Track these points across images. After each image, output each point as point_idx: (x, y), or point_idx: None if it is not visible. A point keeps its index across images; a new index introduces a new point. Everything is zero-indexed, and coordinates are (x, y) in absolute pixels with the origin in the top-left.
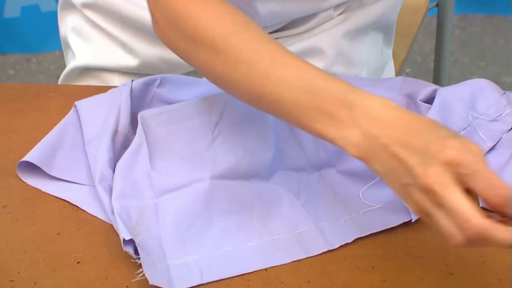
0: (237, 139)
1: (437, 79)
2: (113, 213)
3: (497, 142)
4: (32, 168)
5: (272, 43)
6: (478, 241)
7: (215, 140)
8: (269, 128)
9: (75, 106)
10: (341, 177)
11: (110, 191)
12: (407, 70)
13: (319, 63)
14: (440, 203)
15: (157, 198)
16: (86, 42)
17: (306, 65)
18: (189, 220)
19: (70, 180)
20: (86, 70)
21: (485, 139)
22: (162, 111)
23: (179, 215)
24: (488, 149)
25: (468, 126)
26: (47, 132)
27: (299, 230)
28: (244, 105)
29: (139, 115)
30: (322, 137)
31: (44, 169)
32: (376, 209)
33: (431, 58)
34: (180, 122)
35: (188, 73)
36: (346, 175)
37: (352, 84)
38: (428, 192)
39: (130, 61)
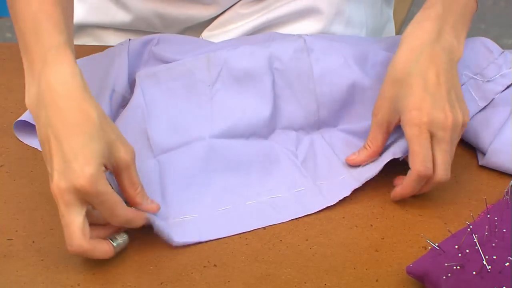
0: (235, 96)
1: None
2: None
3: (490, 102)
4: (29, 127)
5: None
6: (82, 255)
7: (213, 98)
8: (267, 86)
9: None
10: (340, 136)
11: None
12: None
13: (317, 24)
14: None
15: (155, 158)
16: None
17: (53, 5)
18: (188, 178)
19: None
20: (80, 28)
21: (477, 99)
22: (160, 70)
23: (178, 174)
24: (479, 109)
25: (463, 84)
26: None
27: (298, 188)
28: (242, 63)
29: (137, 75)
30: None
31: None
32: (373, 162)
33: None
34: (178, 81)
35: (184, 30)
36: (346, 134)
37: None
38: (53, 196)
39: (124, 17)
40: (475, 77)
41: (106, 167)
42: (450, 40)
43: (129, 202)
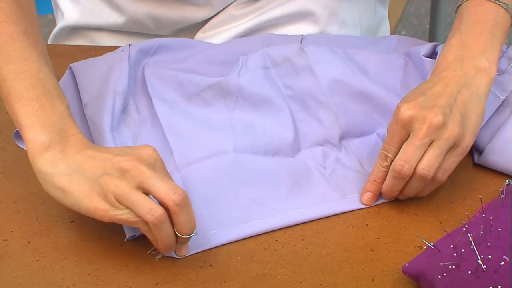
0: (253, 116)
1: (433, 41)
2: None
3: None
4: None
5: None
6: (182, 207)
7: (232, 116)
8: (286, 111)
9: (70, 68)
10: (363, 145)
11: None
12: (403, 32)
13: (312, 26)
14: (141, 182)
15: (178, 171)
16: (73, 1)
17: (48, 61)
18: (215, 191)
19: None
20: (74, 30)
21: (497, 92)
22: (176, 101)
23: (205, 187)
24: (501, 102)
25: None
26: None
27: (327, 203)
28: (256, 88)
29: (152, 95)
30: (16, 118)
31: None
32: None
33: (427, 20)
34: (196, 108)
35: (178, 31)
36: (368, 142)
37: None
38: (130, 171)
39: (117, 19)
40: None
41: None
42: (476, 64)
43: None
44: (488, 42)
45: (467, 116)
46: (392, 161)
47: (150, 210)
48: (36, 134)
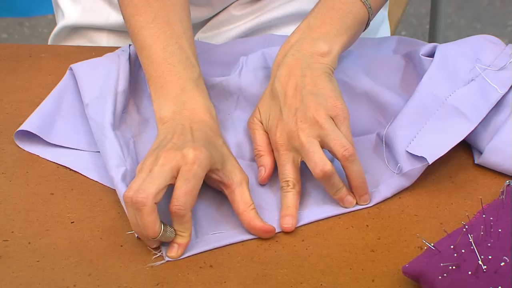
0: None
1: (433, 42)
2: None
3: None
4: (29, 134)
5: (169, 9)
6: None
7: (234, 120)
8: None
9: (71, 69)
10: (363, 144)
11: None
12: (403, 32)
13: None
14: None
15: None
16: (74, 1)
17: (179, 39)
18: (215, 194)
19: (70, 146)
20: (75, 30)
21: (496, 87)
22: None
23: (205, 189)
24: (501, 96)
25: (476, 77)
26: (40, 93)
27: (327, 203)
28: (256, 88)
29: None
30: (151, 95)
31: (43, 137)
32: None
33: (427, 20)
34: None
35: None
36: (368, 142)
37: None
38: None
39: (117, 18)
40: (488, 68)
41: (211, 172)
42: (313, 46)
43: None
44: (336, 27)
45: (323, 88)
46: (293, 183)
47: (138, 190)
48: (160, 106)
